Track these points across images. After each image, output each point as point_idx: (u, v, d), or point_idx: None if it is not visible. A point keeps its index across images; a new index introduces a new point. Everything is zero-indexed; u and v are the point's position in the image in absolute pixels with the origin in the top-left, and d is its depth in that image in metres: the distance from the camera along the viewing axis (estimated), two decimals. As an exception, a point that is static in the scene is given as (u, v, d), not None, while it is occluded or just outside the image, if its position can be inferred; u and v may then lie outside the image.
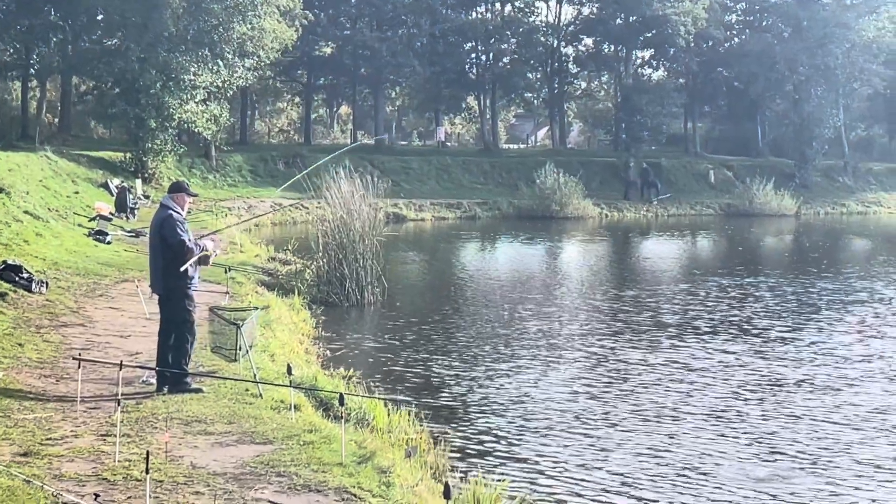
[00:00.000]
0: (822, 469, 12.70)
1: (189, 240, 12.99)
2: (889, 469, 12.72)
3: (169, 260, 13.00)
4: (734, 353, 19.93)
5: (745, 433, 14.15)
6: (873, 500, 11.67)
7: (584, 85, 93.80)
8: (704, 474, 12.38)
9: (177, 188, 13.67)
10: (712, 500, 11.54)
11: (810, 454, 13.25)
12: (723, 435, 14.05)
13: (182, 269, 12.83)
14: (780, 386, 17.10)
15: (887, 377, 17.90)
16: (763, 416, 15.09)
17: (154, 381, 13.09)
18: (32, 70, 60.45)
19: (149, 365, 13.49)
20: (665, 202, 68.91)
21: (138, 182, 46.72)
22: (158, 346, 13.23)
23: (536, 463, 12.83)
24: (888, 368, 18.62)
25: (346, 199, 26.20)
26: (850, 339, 21.54)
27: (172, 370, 12.85)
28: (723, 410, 15.38)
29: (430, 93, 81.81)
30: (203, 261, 13.37)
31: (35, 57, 58.67)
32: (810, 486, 12.07)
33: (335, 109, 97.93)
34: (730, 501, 11.53)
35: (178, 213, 13.20)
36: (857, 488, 12.05)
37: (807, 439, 13.90)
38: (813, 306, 26.26)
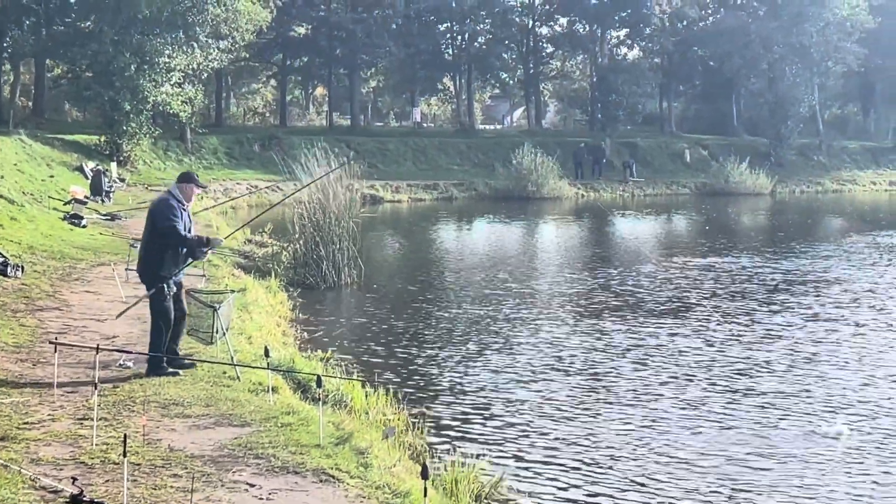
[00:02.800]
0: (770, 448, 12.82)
1: (181, 227, 12.91)
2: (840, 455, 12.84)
3: (154, 244, 13.00)
4: (698, 335, 20.03)
5: (711, 414, 14.26)
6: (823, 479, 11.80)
7: (559, 65, 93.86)
8: (675, 454, 12.47)
9: (185, 178, 13.50)
10: (683, 479, 11.62)
11: (751, 431, 13.38)
12: (687, 416, 14.15)
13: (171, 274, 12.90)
14: (727, 367, 17.18)
15: (833, 359, 17.93)
16: (714, 398, 15.19)
17: (131, 364, 13.08)
18: (5, 53, 60.15)
19: (126, 348, 13.48)
20: (640, 183, 69.04)
21: (113, 165, 46.56)
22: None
23: (513, 442, 12.88)
24: (836, 350, 18.67)
25: (322, 181, 26.17)
26: (798, 320, 21.46)
27: (150, 353, 12.84)
28: (680, 392, 15.47)
29: (406, 74, 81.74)
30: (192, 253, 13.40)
31: (8, 40, 58.36)
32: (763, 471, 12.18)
33: (311, 91, 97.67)
34: (704, 479, 11.63)
35: (179, 201, 13.11)
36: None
37: (745, 418, 14.00)
38: (768, 287, 26.14)
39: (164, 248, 12.96)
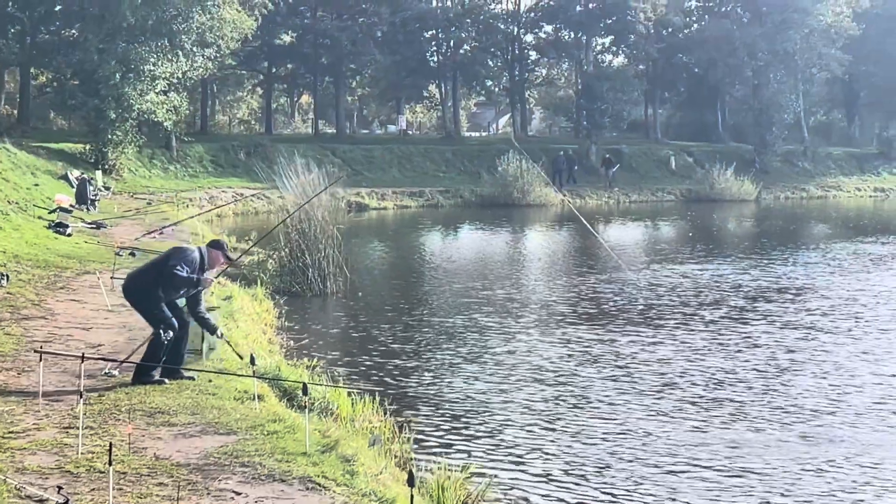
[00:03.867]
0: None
1: (182, 280, 12.93)
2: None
3: (154, 273, 13.02)
4: (677, 344, 20.10)
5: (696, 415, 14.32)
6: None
7: (544, 72, 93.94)
8: (658, 461, 12.52)
9: (215, 245, 13.58)
10: (666, 485, 11.67)
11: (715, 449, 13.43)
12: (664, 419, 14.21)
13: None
14: (707, 375, 17.27)
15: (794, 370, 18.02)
16: (696, 406, 15.26)
17: (117, 372, 13.06)
18: (-10, 62, 60.07)
19: (111, 356, 13.46)
20: (624, 189, 69.20)
21: (98, 174, 46.41)
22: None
23: (499, 450, 12.91)
24: (812, 358, 18.76)
25: (306, 189, 26.21)
26: (776, 329, 21.39)
27: (137, 362, 12.82)
28: (660, 397, 15.53)
29: (391, 81, 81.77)
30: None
31: (-8, 49, 58.27)
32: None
33: (296, 99, 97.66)
34: (685, 485, 11.67)
35: (203, 260, 13.17)
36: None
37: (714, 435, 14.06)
38: (749, 295, 26.04)
39: (159, 283, 12.96)
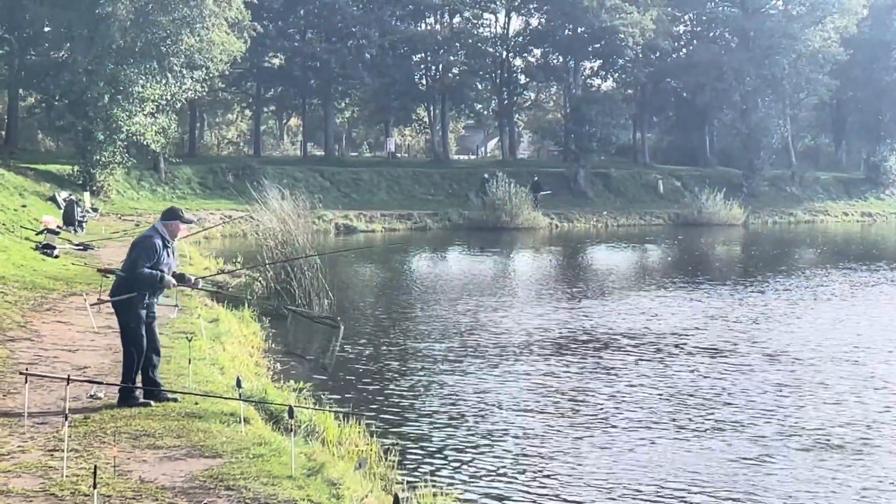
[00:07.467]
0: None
1: (147, 272, 12.88)
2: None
3: (127, 276, 12.98)
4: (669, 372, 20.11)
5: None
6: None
7: (533, 96, 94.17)
8: (647, 490, 12.51)
9: (170, 215, 13.45)
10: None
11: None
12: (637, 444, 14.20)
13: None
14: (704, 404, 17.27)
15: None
16: (712, 429, 15.25)
17: (102, 394, 13.02)
18: (-22, 83, 60.05)
19: (97, 379, 13.41)
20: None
21: (86, 195, 46.40)
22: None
23: (485, 473, 12.88)
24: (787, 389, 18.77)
25: (284, 213, 26.39)
26: (742, 361, 21.36)
27: (122, 384, 12.79)
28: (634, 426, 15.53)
29: (380, 104, 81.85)
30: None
31: (-20, 70, 58.31)
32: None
33: (285, 121, 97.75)
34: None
35: (163, 238, 13.09)
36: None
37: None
38: (726, 325, 26.15)
39: (135, 282, 12.95)
